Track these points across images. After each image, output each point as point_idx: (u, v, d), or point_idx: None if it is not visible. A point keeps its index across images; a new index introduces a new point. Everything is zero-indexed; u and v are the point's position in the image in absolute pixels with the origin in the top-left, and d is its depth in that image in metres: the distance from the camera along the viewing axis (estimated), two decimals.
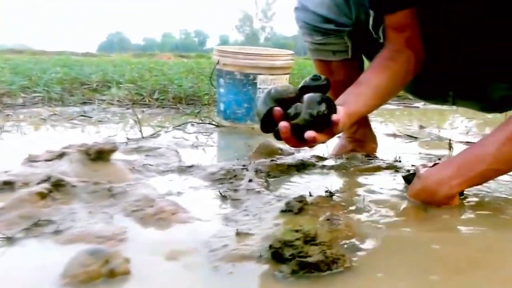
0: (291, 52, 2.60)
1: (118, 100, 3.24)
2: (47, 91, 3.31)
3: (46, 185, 1.08)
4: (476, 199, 1.23)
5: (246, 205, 1.11)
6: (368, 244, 0.93)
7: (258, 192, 1.19)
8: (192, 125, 2.45)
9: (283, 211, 1.02)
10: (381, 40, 1.39)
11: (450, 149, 1.93)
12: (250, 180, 1.27)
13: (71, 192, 1.11)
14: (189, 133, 2.25)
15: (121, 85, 3.64)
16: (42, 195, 1.05)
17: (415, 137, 2.22)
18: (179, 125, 2.40)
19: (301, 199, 1.05)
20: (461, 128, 2.56)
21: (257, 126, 2.41)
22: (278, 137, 1.02)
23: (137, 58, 12.37)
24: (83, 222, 0.97)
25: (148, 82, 3.64)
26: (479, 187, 1.26)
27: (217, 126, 2.44)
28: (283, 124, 0.98)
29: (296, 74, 4.46)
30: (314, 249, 0.81)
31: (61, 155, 1.42)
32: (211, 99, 3.15)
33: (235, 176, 1.36)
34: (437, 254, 0.91)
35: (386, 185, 1.35)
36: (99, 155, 1.34)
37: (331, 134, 1.04)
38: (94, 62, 6.89)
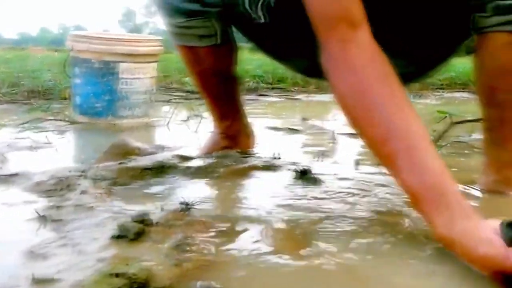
0: (159, 37, 2.30)
1: None
2: None
3: None
4: None
5: (69, 229, 0.80)
6: (232, 282, 0.67)
7: (91, 208, 0.89)
8: (41, 122, 2.06)
9: (114, 237, 0.73)
10: (262, 20, 1.14)
11: (334, 142, 1.76)
12: (83, 192, 0.96)
13: None
14: (35, 131, 1.86)
15: None
16: None
17: (298, 130, 2.03)
18: (24, 123, 2.00)
19: (141, 219, 0.77)
20: (344, 119, 2.42)
21: (119, 122, 2.09)
22: None
23: (4, 52, 11.28)
24: None
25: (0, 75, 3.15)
26: None
27: (70, 122, 2.07)
28: None
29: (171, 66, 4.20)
30: None
31: None
32: (71, 93, 2.76)
33: (68, 186, 1.04)
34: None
35: (261, 190, 1.11)
36: None
37: None
38: None
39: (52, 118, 2.12)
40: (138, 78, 2.15)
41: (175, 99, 3.30)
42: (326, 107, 3.12)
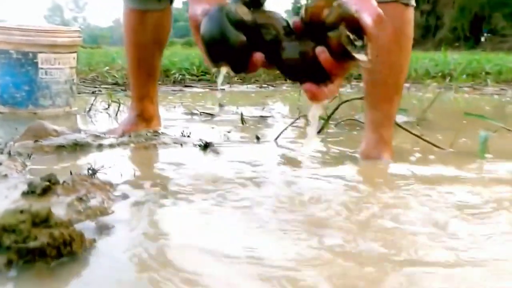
0: (77, 28, 2.38)
1: None
2: None
3: None
4: None
5: None
6: (123, 224, 0.80)
7: (5, 176, 1.00)
8: None
9: (24, 193, 0.85)
10: None
11: (242, 123, 1.92)
12: (0, 163, 1.06)
13: None
14: None
15: None
16: None
17: (212, 114, 2.18)
18: None
19: (49, 178, 0.89)
20: (260, 105, 2.60)
21: (40, 111, 2.16)
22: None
23: None
24: None
25: None
26: None
27: None
28: None
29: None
30: (43, 231, 0.67)
31: None
32: None
33: None
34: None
35: (166, 159, 1.26)
36: None
37: None
38: None
39: None
40: (58, 68, 2.22)
41: (99, 90, 3.36)
42: (244, 95, 3.30)
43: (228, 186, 1.02)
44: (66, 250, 0.66)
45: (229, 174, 1.11)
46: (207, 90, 3.82)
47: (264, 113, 2.23)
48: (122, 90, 3.55)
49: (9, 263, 0.63)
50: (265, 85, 4.17)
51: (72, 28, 2.37)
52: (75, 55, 2.32)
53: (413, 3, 1.30)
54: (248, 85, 4.26)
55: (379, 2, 1.18)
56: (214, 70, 0.78)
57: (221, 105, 2.51)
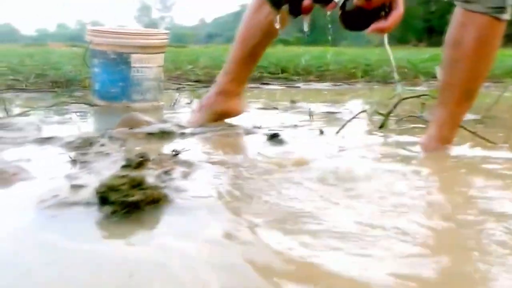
0: (166, 31, 2.65)
1: None
2: None
3: None
4: None
5: (92, 166, 1.16)
6: (197, 190, 1.01)
7: (108, 154, 1.24)
8: (66, 104, 2.42)
9: (123, 166, 1.08)
10: None
11: (310, 117, 2.09)
12: (102, 145, 1.31)
13: None
14: (62, 114, 2.23)
15: None
16: None
17: (283, 109, 2.36)
18: (52, 106, 2.36)
19: (142, 155, 1.12)
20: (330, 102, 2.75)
21: (132, 105, 2.44)
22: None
23: (26, 48, 11.73)
24: None
25: (26, 68, 3.52)
26: None
27: (90, 105, 2.43)
28: None
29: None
30: (139, 192, 0.88)
31: None
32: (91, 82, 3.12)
33: (90, 143, 1.40)
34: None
35: (237, 146, 1.46)
36: None
37: None
38: None
39: (75, 102, 2.48)
40: (148, 67, 2.50)
41: (183, 87, 3.64)
42: (317, 93, 3.46)
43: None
44: (153, 205, 0.88)
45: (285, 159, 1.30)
46: (284, 87, 4.02)
47: (332, 109, 2.38)
48: (204, 87, 3.83)
49: (114, 212, 0.85)
50: (340, 83, 4.30)
51: (161, 31, 2.64)
52: (163, 55, 2.59)
53: (506, 17, 1.32)
54: (324, 83, 4.42)
55: (468, 10, 1.32)
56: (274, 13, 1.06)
57: (293, 102, 2.69)
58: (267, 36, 1.70)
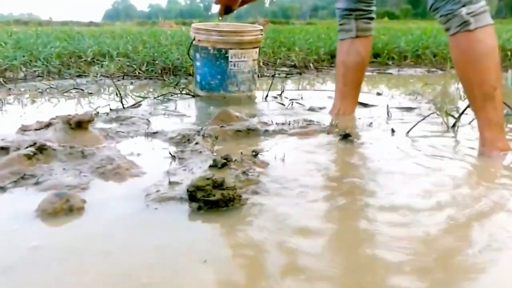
0: (260, 27, 2.87)
1: (110, 72, 3.54)
2: (46, 65, 3.62)
3: (32, 149, 1.40)
4: None
5: (187, 163, 1.43)
6: (269, 192, 1.24)
7: (200, 152, 1.51)
8: (171, 95, 2.75)
9: (210, 166, 1.34)
10: None
11: (388, 114, 2.22)
12: (197, 143, 1.58)
13: (51, 154, 1.43)
14: (168, 101, 2.56)
15: (114, 58, 3.93)
16: (29, 157, 1.37)
17: (366, 104, 2.51)
18: (159, 96, 2.70)
19: (226, 157, 1.37)
20: (415, 94, 2.84)
21: (228, 95, 2.72)
22: None
23: (139, 27, 12.54)
24: (58, 176, 1.30)
25: (140, 55, 3.93)
26: None
27: (193, 96, 2.74)
28: None
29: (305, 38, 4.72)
30: (219, 191, 1.13)
31: (48, 125, 1.73)
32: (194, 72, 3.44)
33: (188, 140, 1.68)
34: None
35: (311, 146, 1.67)
36: (79, 124, 1.66)
37: None
38: (95, 33, 7.12)
39: (179, 92, 2.80)
40: (243, 61, 2.76)
41: (279, 74, 3.86)
42: (406, 81, 3.52)
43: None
44: (231, 203, 1.12)
45: (356, 162, 1.49)
46: (375, 73, 4.10)
47: (412, 104, 2.49)
48: (298, 73, 4.03)
49: (199, 208, 1.11)
50: (434, 69, 4.30)
51: (256, 27, 2.87)
52: (257, 49, 2.83)
53: (477, 25, 1.54)
54: (418, 68, 4.43)
55: (450, 35, 1.53)
56: None
57: (379, 94, 2.82)
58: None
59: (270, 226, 1.05)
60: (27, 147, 1.43)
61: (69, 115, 1.72)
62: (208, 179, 1.15)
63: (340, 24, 2.12)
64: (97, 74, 3.47)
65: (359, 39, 2.11)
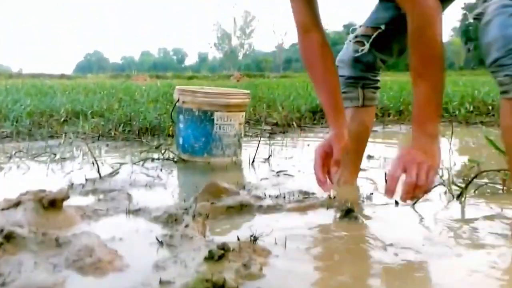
0: (247, 91, 2.77)
1: (84, 133, 3.36)
2: (16, 125, 3.42)
3: None
4: None
5: (177, 252, 1.25)
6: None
7: (191, 237, 1.33)
8: (152, 160, 2.59)
9: (206, 259, 1.17)
10: None
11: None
12: (187, 226, 1.41)
13: (21, 243, 1.24)
14: (148, 169, 2.39)
15: (88, 118, 3.77)
16: None
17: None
18: (138, 162, 2.53)
19: (223, 246, 1.20)
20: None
21: (213, 160, 2.57)
22: None
23: (112, 80, 12.46)
24: (28, 273, 1.10)
25: (115, 114, 3.78)
26: None
27: (174, 161, 2.58)
28: None
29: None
30: None
31: (17, 204, 1.53)
32: (173, 131, 3.28)
33: (175, 220, 1.51)
34: None
35: (312, 225, 1.51)
36: (52, 203, 1.48)
37: None
38: (67, 88, 6.97)
39: (161, 157, 2.64)
40: (229, 124, 2.63)
41: (261, 133, 3.75)
42: (393, 137, 3.44)
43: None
44: None
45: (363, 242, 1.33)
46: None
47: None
48: (281, 132, 3.93)
49: None
50: None
51: (242, 91, 2.77)
52: (244, 113, 2.72)
53: None
54: (402, 125, 4.38)
55: (508, 99, 1.35)
56: None
57: (370, 157, 2.71)
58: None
59: None
60: None
61: (41, 190, 1.54)
62: (207, 281, 0.98)
63: (344, 92, 1.99)
64: (70, 136, 3.29)
65: (364, 108, 2.00)
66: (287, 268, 1.19)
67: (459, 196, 1.83)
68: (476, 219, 1.62)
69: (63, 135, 3.32)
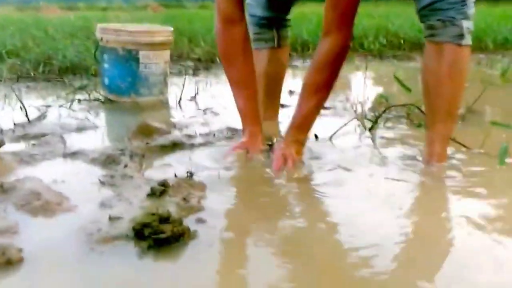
0: (171, 29, 2.79)
1: (0, 76, 3.26)
2: None
3: None
4: None
5: (120, 190, 1.36)
6: (214, 218, 1.22)
7: (131, 177, 1.44)
8: (79, 101, 2.60)
9: (148, 195, 1.29)
10: None
11: None
12: (125, 166, 1.51)
13: None
14: (75, 111, 2.41)
15: (4, 58, 3.62)
16: None
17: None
18: (65, 104, 2.54)
19: (163, 183, 1.32)
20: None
21: (140, 99, 2.62)
22: None
23: (20, 13, 11.63)
24: None
25: (32, 53, 3.65)
26: None
27: (102, 102, 2.61)
28: None
29: None
30: (167, 227, 1.09)
31: None
32: (97, 71, 3.26)
33: (113, 161, 1.60)
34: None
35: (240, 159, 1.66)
36: None
37: None
38: None
39: (87, 99, 2.65)
40: (155, 63, 2.67)
41: (185, 70, 3.80)
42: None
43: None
44: (181, 238, 1.09)
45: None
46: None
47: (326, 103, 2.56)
48: (204, 68, 3.99)
49: (149, 247, 1.06)
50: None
51: (167, 28, 2.78)
52: (168, 51, 2.75)
53: (466, 42, 1.56)
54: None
55: (436, 42, 1.51)
56: None
57: (291, 92, 2.86)
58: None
59: (223, 260, 1.04)
60: None
61: None
62: (153, 214, 1.11)
63: (257, 33, 2.08)
64: None
65: (280, 48, 2.10)
66: (223, 200, 1.34)
67: (370, 129, 2.05)
68: (384, 147, 1.85)
69: None
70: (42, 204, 1.26)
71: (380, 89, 2.99)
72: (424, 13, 1.58)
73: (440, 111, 1.62)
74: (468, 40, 1.56)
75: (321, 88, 1.60)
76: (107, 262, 1.03)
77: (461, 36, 1.54)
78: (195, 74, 3.71)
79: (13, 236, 1.11)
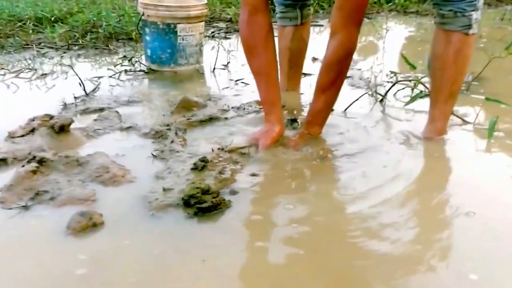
0: (205, 1, 3.05)
1: (54, 43, 3.60)
2: None
3: (35, 164, 1.62)
4: None
5: (169, 164, 1.71)
6: (244, 190, 1.56)
7: (177, 152, 1.79)
8: (125, 72, 2.94)
9: (192, 169, 1.63)
10: None
11: None
12: (172, 141, 1.85)
13: (51, 166, 1.66)
14: (123, 81, 2.76)
15: (55, 26, 3.95)
16: (34, 172, 1.60)
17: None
18: (114, 75, 2.87)
19: (203, 159, 1.66)
20: None
21: (178, 68, 2.94)
22: None
23: None
24: (66, 189, 1.54)
25: (78, 19, 3.95)
26: None
27: (146, 73, 2.94)
28: None
29: None
30: (207, 197, 1.44)
31: (32, 130, 1.92)
32: (137, 36, 3.56)
33: (161, 136, 1.94)
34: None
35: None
36: (61, 128, 1.88)
37: None
38: None
39: (132, 69, 2.98)
40: (191, 35, 2.96)
41: (218, 32, 4.06)
42: None
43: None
44: (219, 207, 1.44)
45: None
46: None
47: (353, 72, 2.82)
48: (235, 30, 4.24)
49: (195, 213, 1.42)
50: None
51: (202, 2, 3.05)
52: (203, 23, 3.03)
53: (473, 31, 1.77)
54: None
55: (446, 30, 1.75)
56: None
57: (315, 59, 3.12)
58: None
59: (251, 226, 1.39)
60: (29, 161, 1.64)
61: (47, 115, 1.93)
62: (197, 187, 1.46)
63: (282, 12, 2.34)
64: (41, 47, 3.53)
65: (302, 25, 2.36)
66: (253, 171, 1.68)
67: (381, 101, 2.33)
68: (393, 118, 2.14)
69: (34, 46, 3.54)
70: (111, 176, 1.62)
71: (396, 54, 3.19)
72: (437, 1, 1.79)
73: (444, 92, 1.88)
74: (475, 30, 1.78)
75: (328, 87, 1.79)
76: (164, 224, 1.39)
77: (469, 26, 1.75)
78: (226, 37, 3.97)
79: (92, 203, 1.48)
